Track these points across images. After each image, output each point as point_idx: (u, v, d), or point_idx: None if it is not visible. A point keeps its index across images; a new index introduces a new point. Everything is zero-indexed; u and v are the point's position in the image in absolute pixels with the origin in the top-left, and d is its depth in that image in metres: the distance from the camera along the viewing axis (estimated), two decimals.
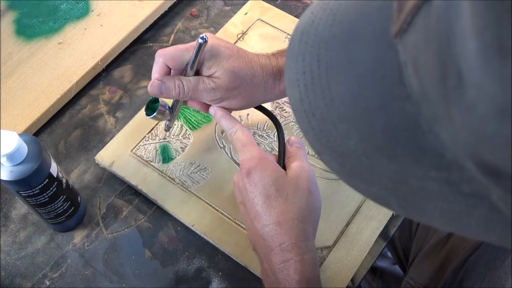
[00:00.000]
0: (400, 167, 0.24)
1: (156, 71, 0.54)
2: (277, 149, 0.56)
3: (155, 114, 0.56)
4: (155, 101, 0.57)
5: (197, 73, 0.55)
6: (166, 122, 0.62)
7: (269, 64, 0.56)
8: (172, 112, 0.59)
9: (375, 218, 0.62)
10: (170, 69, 0.55)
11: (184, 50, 0.53)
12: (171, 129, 0.63)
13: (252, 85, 0.55)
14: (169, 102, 0.59)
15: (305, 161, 0.54)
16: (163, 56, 0.54)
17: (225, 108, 0.57)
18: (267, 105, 0.70)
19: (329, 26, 0.26)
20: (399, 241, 0.84)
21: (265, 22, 0.79)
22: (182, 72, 0.55)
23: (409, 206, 0.26)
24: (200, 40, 0.51)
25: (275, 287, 0.49)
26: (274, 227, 0.49)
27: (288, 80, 0.28)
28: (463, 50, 0.18)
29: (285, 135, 0.59)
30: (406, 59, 0.22)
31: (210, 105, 0.57)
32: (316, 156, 0.59)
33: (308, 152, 0.65)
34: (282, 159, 0.55)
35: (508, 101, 0.17)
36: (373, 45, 0.24)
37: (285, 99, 0.71)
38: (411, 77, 0.22)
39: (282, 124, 0.69)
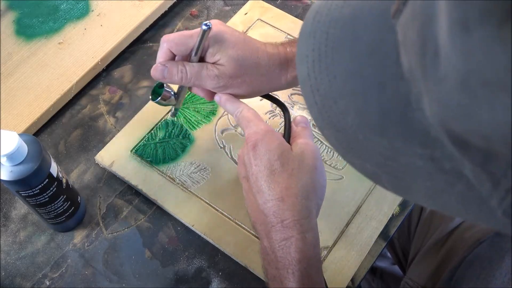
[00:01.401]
0: (391, 144, 0.25)
1: (161, 56, 0.54)
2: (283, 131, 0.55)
3: (159, 98, 0.57)
4: (161, 86, 0.58)
5: (202, 60, 0.55)
6: (172, 109, 0.62)
7: (276, 54, 0.55)
8: (177, 98, 0.59)
9: (375, 218, 0.62)
10: (174, 55, 0.55)
11: (189, 37, 0.53)
12: (176, 115, 0.64)
13: (257, 75, 0.54)
14: (175, 88, 0.59)
15: (310, 139, 0.53)
16: (168, 42, 0.54)
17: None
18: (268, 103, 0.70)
19: (340, 7, 0.27)
20: (398, 241, 0.84)
21: (265, 22, 0.79)
22: (187, 58, 0.55)
23: (398, 183, 0.27)
24: (204, 27, 0.50)
25: (274, 266, 0.48)
26: (277, 203, 0.48)
27: (299, 57, 0.29)
28: (438, 28, 0.20)
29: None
30: (401, 38, 0.23)
31: (215, 94, 0.56)
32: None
33: None
34: (287, 138, 0.54)
35: (469, 74, 0.19)
36: (376, 26, 0.25)
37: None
38: (403, 55, 0.23)
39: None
